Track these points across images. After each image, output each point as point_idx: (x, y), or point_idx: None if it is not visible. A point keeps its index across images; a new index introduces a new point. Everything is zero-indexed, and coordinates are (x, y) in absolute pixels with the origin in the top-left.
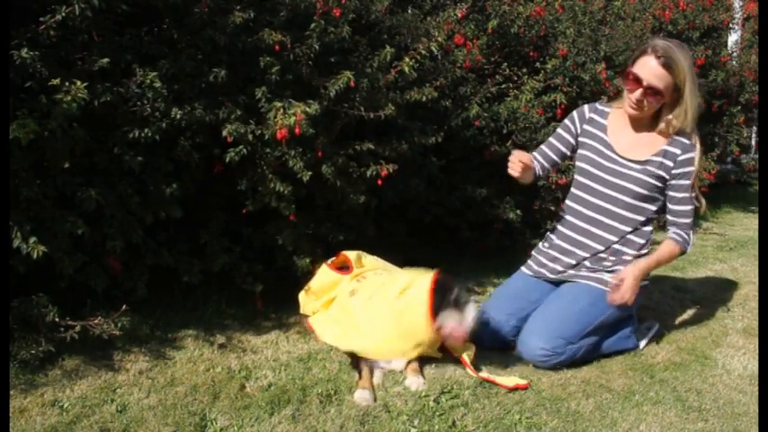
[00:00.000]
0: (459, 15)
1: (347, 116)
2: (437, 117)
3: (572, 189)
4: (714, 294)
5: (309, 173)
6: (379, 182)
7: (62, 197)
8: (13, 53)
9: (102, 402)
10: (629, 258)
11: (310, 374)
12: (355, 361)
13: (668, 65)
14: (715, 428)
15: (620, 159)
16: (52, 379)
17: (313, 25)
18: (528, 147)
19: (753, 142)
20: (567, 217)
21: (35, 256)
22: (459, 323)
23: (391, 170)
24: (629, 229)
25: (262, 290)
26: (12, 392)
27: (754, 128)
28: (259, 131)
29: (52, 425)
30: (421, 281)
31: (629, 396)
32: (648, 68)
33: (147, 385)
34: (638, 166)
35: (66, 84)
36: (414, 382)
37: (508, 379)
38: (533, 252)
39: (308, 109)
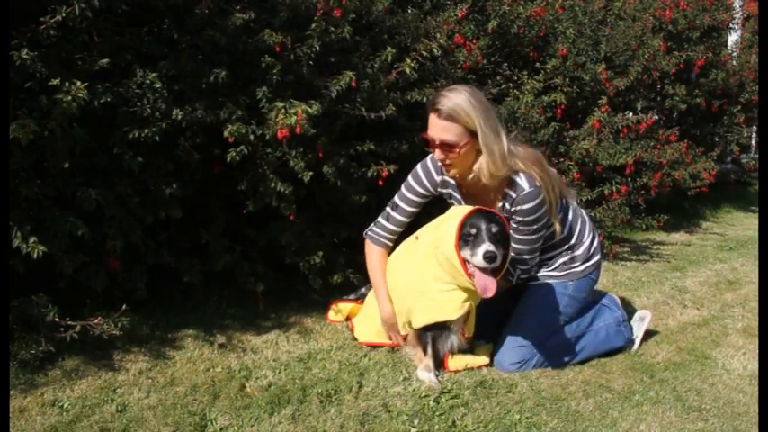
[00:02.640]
0: (460, 15)
1: (348, 116)
2: None
3: None
4: (714, 294)
5: (310, 173)
6: (380, 182)
7: (62, 197)
8: (13, 53)
9: (102, 402)
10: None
11: (310, 374)
12: (416, 335)
13: (449, 115)
14: (715, 428)
15: None
16: (52, 379)
17: (314, 26)
18: None
19: (753, 142)
20: None
21: (35, 255)
22: (470, 258)
23: (392, 170)
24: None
25: (262, 290)
26: (12, 392)
27: (754, 128)
28: (260, 132)
29: (52, 425)
30: (456, 215)
31: (629, 396)
32: (434, 126)
33: (147, 385)
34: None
35: (66, 84)
36: (426, 377)
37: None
38: None
39: (309, 109)
